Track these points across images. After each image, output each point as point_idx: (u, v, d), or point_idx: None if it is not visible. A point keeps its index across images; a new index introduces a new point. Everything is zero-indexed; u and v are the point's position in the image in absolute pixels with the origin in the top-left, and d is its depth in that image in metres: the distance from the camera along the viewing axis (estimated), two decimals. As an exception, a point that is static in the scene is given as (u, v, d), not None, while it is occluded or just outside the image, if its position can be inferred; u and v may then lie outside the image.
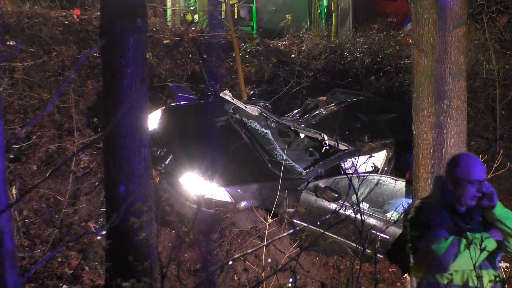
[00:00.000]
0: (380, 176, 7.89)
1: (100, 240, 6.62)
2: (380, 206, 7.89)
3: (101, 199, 7.50)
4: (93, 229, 7.11)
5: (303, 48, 13.98)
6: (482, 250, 3.75)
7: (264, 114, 9.03)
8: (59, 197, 7.22)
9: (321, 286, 7.23)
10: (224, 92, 9.07)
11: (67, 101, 8.62)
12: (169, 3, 15.33)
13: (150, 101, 5.87)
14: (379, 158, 8.12)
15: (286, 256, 6.98)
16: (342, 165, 8.01)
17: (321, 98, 9.70)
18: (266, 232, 6.94)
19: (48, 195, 7.28)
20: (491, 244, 4.20)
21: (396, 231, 7.90)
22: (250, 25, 16.07)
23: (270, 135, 8.68)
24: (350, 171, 7.89)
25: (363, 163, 7.66)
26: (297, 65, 12.35)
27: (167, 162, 7.64)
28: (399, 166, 8.17)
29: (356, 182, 6.61)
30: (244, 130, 8.48)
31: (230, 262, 3.20)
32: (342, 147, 8.22)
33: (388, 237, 7.94)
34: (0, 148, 2.28)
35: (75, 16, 12.07)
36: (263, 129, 8.74)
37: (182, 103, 9.78)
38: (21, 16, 10.91)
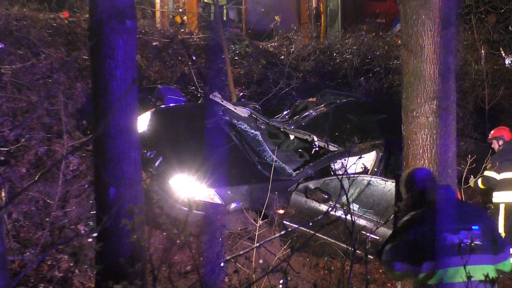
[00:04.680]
0: (370, 177, 7.90)
1: (91, 243, 6.60)
2: (371, 207, 7.89)
3: (91, 201, 7.47)
4: (83, 232, 7.08)
5: (292, 49, 14.01)
6: None
7: (254, 116, 9.02)
8: (48, 200, 7.18)
9: (312, 287, 7.23)
10: (214, 94, 9.05)
11: (56, 104, 8.57)
12: (158, 5, 15.32)
13: (140, 103, 5.85)
14: (369, 159, 8.14)
15: (276, 257, 6.97)
16: (332, 166, 8.02)
17: (310, 99, 9.71)
18: (257, 233, 6.93)
19: (37, 198, 7.24)
20: None
21: (387, 231, 7.91)
22: (239, 27, 16.09)
23: (260, 136, 8.67)
24: (340, 172, 7.90)
25: (353, 164, 7.67)
26: (287, 66, 12.37)
27: (157, 164, 7.63)
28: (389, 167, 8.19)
29: (346, 183, 6.61)
30: (234, 132, 8.46)
31: (221, 264, 3.20)
32: (332, 148, 8.22)
33: (378, 237, 7.94)
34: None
35: (63, 18, 12.04)
36: (252, 131, 8.73)
37: (171, 105, 9.77)
38: (9, 19, 10.85)
